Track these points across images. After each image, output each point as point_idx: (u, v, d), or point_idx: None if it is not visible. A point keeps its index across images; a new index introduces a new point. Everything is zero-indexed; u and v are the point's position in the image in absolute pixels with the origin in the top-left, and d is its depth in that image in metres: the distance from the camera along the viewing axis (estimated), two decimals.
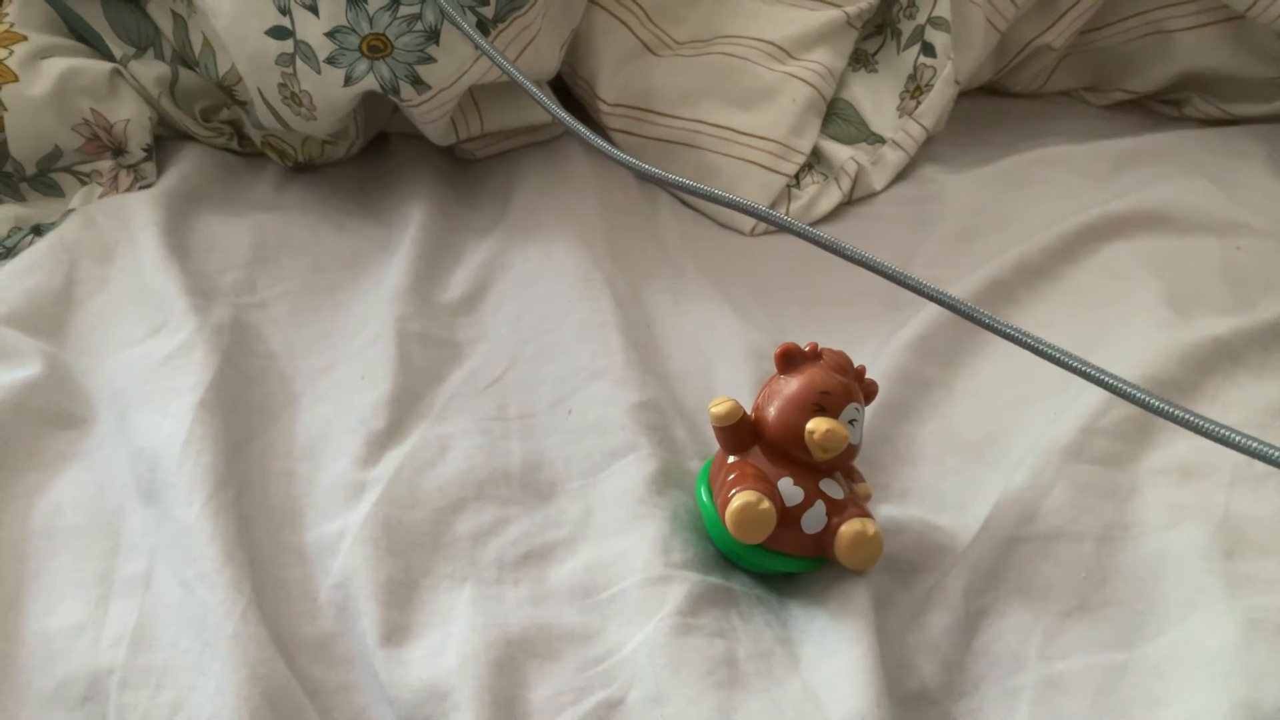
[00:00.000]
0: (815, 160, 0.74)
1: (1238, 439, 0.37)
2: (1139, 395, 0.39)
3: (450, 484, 0.49)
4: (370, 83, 0.63)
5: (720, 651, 0.42)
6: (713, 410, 0.46)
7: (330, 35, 0.61)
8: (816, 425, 0.44)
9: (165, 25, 0.68)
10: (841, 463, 0.46)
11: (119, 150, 0.68)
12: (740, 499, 0.43)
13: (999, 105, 0.84)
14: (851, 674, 0.41)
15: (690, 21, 0.77)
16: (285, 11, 0.61)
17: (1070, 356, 0.41)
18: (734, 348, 0.59)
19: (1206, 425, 0.37)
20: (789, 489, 0.45)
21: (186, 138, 0.72)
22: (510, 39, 0.64)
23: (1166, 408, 0.38)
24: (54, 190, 0.67)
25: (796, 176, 0.73)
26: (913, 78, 0.76)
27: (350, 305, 0.61)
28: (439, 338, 0.58)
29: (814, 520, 0.44)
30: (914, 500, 0.51)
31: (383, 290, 0.61)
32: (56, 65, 0.66)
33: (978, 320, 0.44)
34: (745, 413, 0.47)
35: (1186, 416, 0.38)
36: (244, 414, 0.52)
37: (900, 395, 0.56)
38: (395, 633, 0.43)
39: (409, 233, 0.65)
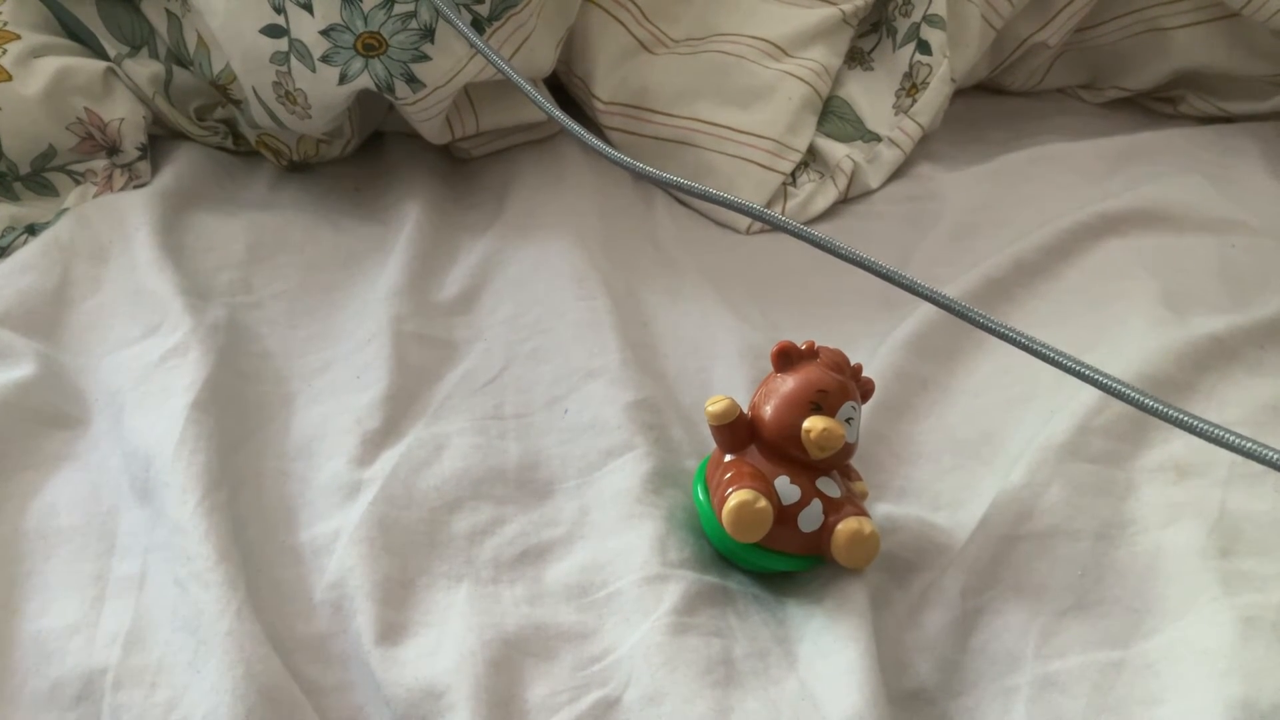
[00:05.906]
0: (811, 158, 0.74)
1: (1231, 439, 0.37)
2: (1133, 395, 0.39)
3: (446, 483, 0.49)
4: (365, 81, 0.63)
5: (717, 650, 0.42)
6: (709, 409, 0.46)
7: (325, 33, 0.60)
8: (813, 424, 0.44)
9: (160, 24, 0.68)
10: (838, 461, 0.46)
11: (113, 149, 0.68)
12: (737, 498, 0.43)
13: (995, 103, 0.84)
14: (848, 673, 0.41)
15: (686, 19, 0.77)
16: (280, 10, 0.61)
17: (1064, 355, 0.41)
18: (730, 346, 0.59)
19: (1200, 425, 0.37)
20: (785, 487, 0.44)
21: (181, 137, 0.72)
22: (505, 37, 0.64)
23: (1160, 407, 0.38)
24: (48, 190, 0.67)
25: (793, 175, 0.73)
26: (908, 75, 0.76)
27: (346, 305, 0.61)
28: (435, 337, 0.58)
29: (810, 519, 0.44)
30: (911, 499, 0.51)
31: (378, 289, 0.61)
32: (51, 64, 0.66)
33: (972, 320, 0.43)
34: (742, 411, 0.47)
35: (1180, 416, 0.38)
36: (239, 414, 0.52)
37: (897, 394, 0.56)
38: (391, 632, 0.43)
39: (405, 232, 0.65)
